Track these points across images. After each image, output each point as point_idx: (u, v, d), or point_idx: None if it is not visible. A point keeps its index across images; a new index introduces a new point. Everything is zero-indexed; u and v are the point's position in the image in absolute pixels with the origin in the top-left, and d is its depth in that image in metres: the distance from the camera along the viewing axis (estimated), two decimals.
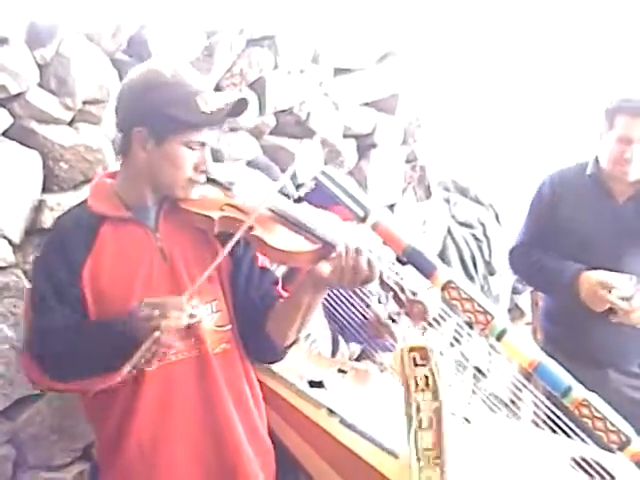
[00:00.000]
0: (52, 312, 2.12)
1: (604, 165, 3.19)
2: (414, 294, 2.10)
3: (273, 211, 2.18)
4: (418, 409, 1.98)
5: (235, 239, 2.05)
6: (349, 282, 2.07)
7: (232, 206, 2.20)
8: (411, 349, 1.98)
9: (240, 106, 2.16)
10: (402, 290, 2.09)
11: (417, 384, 1.98)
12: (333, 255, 2.06)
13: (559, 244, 3.33)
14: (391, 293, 2.10)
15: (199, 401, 2.21)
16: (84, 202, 2.25)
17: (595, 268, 3.13)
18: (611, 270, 3.10)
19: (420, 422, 1.98)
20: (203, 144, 2.14)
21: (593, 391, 2.04)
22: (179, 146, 2.10)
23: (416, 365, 1.98)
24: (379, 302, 2.20)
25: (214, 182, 2.28)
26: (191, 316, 2.00)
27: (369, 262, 2.05)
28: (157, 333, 1.94)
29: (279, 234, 2.13)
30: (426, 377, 1.98)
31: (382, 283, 2.09)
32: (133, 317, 1.98)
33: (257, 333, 2.27)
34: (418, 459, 1.99)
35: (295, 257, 2.13)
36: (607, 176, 3.22)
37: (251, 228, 2.10)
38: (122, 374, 2.02)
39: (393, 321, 2.16)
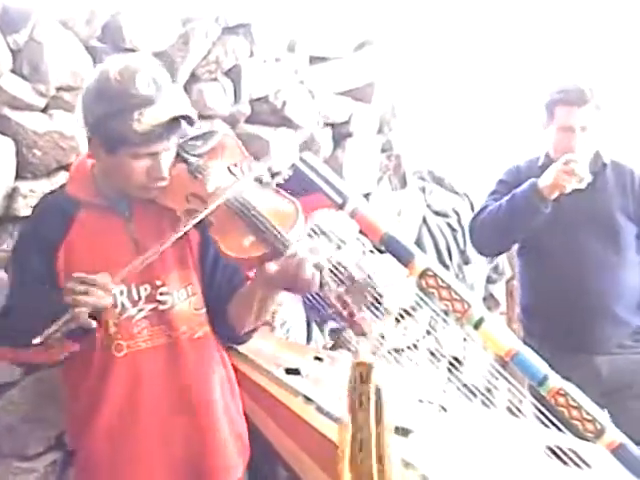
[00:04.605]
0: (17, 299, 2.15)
1: (553, 156, 3.28)
2: (358, 309, 2.08)
3: (232, 205, 2.15)
4: (359, 430, 1.94)
5: (177, 235, 2.06)
6: (289, 288, 2.09)
7: (196, 196, 2.19)
8: (357, 364, 1.94)
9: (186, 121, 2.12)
10: (344, 306, 2.08)
11: (361, 402, 1.93)
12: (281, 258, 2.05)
13: None
14: (332, 309, 2.08)
15: (168, 388, 2.21)
16: (64, 185, 2.26)
17: (557, 254, 3.27)
18: (574, 254, 3.23)
19: (360, 445, 1.94)
20: (154, 154, 2.09)
21: (568, 379, 2.05)
22: (127, 158, 2.07)
23: (362, 382, 1.94)
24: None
25: (185, 163, 2.25)
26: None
27: (309, 274, 2.02)
28: (76, 309, 1.91)
29: (233, 234, 2.11)
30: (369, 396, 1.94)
31: (325, 297, 2.08)
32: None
33: (220, 314, 2.28)
34: None
35: (244, 261, 2.12)
36: None
37: (210, 223, 2.11)
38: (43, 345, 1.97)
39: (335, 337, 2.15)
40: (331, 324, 2.95)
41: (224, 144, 2.36)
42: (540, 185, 3.09)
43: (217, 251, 2.24)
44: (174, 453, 2.22)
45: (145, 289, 2.17)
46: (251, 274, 2.29)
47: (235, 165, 2.28)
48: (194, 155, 2.28)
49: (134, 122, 2.00)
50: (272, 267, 2.05)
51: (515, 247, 3.60)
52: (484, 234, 3.39)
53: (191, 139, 2.29)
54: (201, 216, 2.07)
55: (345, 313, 2.06)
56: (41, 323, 2.00)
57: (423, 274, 2.09)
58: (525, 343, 2.86)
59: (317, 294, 2.82)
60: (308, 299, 3.00)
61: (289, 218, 2.13)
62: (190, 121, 2.13)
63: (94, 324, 1.96)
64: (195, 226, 2.11)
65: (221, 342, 2.38)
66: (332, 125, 3.99)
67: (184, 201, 2.18)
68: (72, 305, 1.91)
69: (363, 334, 2.07)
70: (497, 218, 3.28)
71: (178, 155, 2.22)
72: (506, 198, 3.24)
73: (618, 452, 1.98)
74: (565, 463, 2.24)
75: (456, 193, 5.01)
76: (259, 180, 2.25)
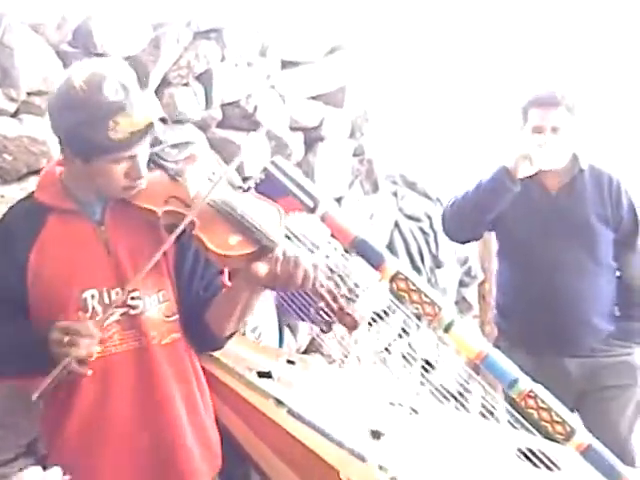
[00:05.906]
0: None
1: None
2: (347, 302, 2.09)
3: (216, 205, 2.16)
4: None
5: (172, 238, 2.09)
6: (282, 286, 2.08)
7: (177, 198, 2.19)
8: None
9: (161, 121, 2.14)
10: (334, 299, 2.08)
11: None
12: (270, 257, 2.06)
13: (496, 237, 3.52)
14: (322, 302, 2.09)
15: (138, 393, 2.21)
16: (32, 193, 2.25)
17: (534, 259, 3.32)
18: (551, 259, 3.27)
19: None
20: (133, 156, 2.08)
21: (540, 380, 2.07)
22: (105, 163, 2.06)
23: None
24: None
25: (163, 169, 2.25)
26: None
27: (305, 271, 2.04)
28: (67, 360, 1.95)
29: (219, 233, 2.11)
30: None
31: (314, 290, 2.08)
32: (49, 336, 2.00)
33: (197, 322, 2.27)
34: None
35: (231, 260, 2.12)
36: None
37: (193, 224, 2.10)
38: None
39: (322, 331, 2.15)
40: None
41: (199, 153, 2.38)
42: (508, 166, 3.17)
43: (195, 258, 2.26)
44: (141, 458, 2.22)
45: (117, 293, 2.15)
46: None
47: (213, 173, 2.29)
48: (170, 162, 2.28)
49: (110, 131, 1.99)
50: (262, 267, 2.06)
51: (494, 250, 3.64)
52: (455, 218, 3.45)
53: (167, 147, 2.29)
54: (188, 218, 2.08)
55: (336, 307, 2.07)
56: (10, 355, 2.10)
57: (394, 277, 2.10)
58: (499, 343, 2.90)
59: (298, 294, 2.84)
60: (285, 301, 3.00)
61: (274, 219, 2.17)
62: (163, 120, 2.14)
63: (88, 371, 2.00)
64: (172, 233, 2.11)
65: (198, 349, 2.37)
66: (304, 129, 3.99)
67: (163, 203, 2.17)
68: (61, 356, 1.96)
69: (355, 327, 2.08)
70: (467, 200, 3.34)
71: (155, 163, 2.22)
72: (477, 184, 3.31)
73: (587, 453, 2.00)
74: (535, 465, 2.26)
75: (428, 197, 5.02)
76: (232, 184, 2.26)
